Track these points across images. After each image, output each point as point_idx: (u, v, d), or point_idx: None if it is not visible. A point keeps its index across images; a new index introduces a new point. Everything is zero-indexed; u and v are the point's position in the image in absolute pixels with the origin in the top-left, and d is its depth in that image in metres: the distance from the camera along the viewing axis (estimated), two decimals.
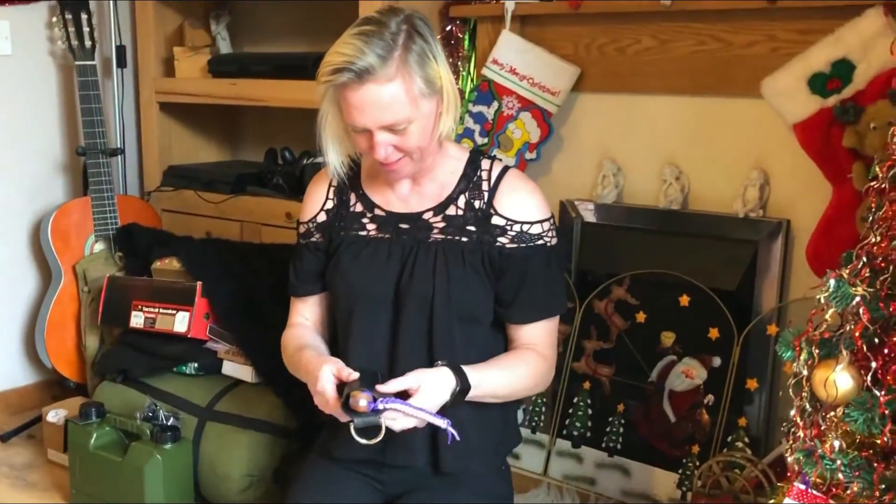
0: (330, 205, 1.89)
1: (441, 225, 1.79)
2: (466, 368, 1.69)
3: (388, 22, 1.63)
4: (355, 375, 1.66)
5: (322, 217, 1.89)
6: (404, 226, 1.82)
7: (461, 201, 1.80)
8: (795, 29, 2.25)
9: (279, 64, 3.04)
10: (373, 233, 1.84)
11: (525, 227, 1.78)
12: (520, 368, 1.80)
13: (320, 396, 1.67)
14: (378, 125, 1.64)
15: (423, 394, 1.60)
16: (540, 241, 1.79)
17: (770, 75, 2.17)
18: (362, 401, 1.55)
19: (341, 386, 1.65)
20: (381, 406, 1.55)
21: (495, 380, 1.75)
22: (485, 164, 1.83)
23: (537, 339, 1.84)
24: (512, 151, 2.66)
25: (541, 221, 1.80)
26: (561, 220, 2.65)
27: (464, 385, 1.67)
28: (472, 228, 1.78)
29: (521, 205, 1.79)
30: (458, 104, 1.73)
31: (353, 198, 1.87)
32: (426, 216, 1.81)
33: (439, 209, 1.81)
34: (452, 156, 1.84)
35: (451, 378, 1.65)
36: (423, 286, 1.76)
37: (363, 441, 1.57)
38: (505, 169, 1.83)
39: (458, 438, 1.59)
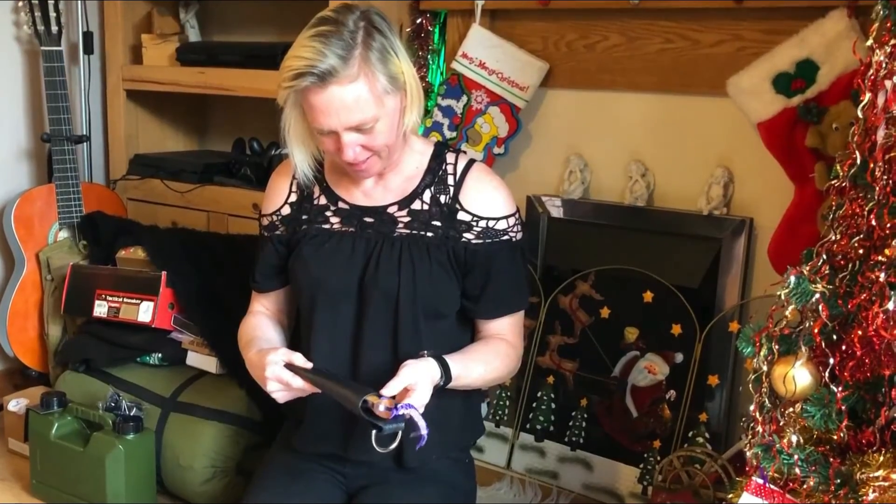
0: (294, 198, 1.88)
1: (406, 219, 1.79)
2: (448, 359, 1.68)
3: (344, 20, 1.61)
4: (309, 364, 1.67)
5: (286, 210, 1.89)
6: (368, 219, 1.81)
7: (426, 196, 1.80)
8: (761, 29, 2.27)
9: (248, 53, 3.02)
10: (336, 226, 1.83)
11: (491, 223, 1.78)
12: (495, 360, 1.81)
13: (273, 384, 1.67)
14: (345, 126, 1.63)
15: (420, 391, 1.58)
16: (505, 237, 1.80)
17: (735, 74, 2.19)
18: (382, 406, 1.52)
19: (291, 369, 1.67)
20: (401, 412, 1.52)
21: (474, 371, 1.75)
22: (450, 157, 1.83)
23: (505, 331, 1.86)
24: (480, 146, 2.67)
25: (506, 217, 1.80)
26: (527, 216, 2.66)
27: (447, 379, 1.67)
28: (438, 223, 1.78)
29: (487, 200, 1.79)
30: (422, 97, 1.73)
31: (316, 191, 1.86)
32: (391, 210, 1.80)
33: (404, 203, 1.80)
34: (417, 150, 1.84)
35: (437, 371, 1.65)
36: (388, 280, 1.75)
37: (381, 450, 1.53)
38: (470, 162, 1.83)
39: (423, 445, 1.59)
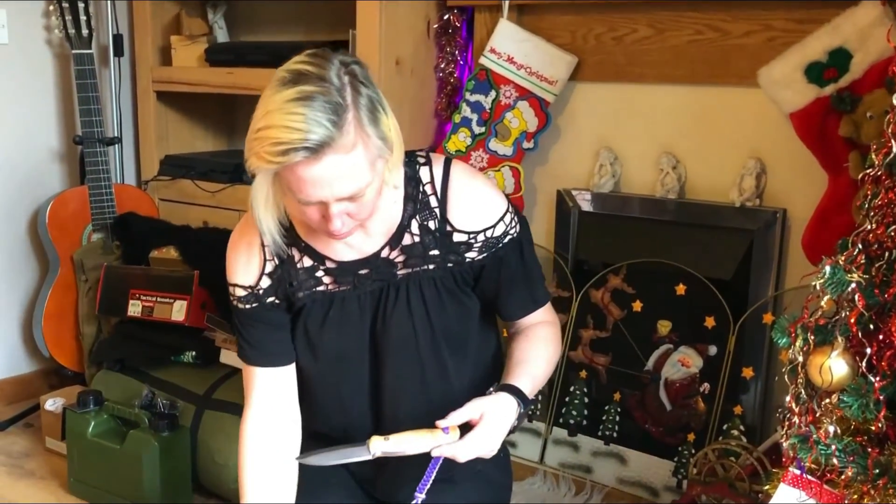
0: (270, 267, 1.64)
1: (402, 258, 1.63)
2: (515, 383, 1.59)
3: (327, 75, 1.40)
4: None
5: (266, 282, 1.65)
6: (364, 271, 1.64)
7: (414, 227, 1.62)
8: (792, 18, 2.25)
9: (276, 53, 3.02)
10: (332, 286, 1.65)
11: (489, 233, 1.64)
12: (547, 349, 1.70)
13: None
14: (337, 197, 1.43)
15: (488, 422, 1.51)
16: (507, 238, 1.66)
17: (767, 65, 2.17)
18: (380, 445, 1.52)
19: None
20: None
21: (540, 373, 1.66)
22: (424, 174, 1.63)
23: (537, 317, 1.75)
24: (509, 141, 2.67)
25: (501, 218, 1.65)
26: (558, 210, 2.66)
27: (525, 403, 1.58)
28: (436, 252, 1.63)
29: (476, 211, 1.63)
30: (402, 148, 1.54)
31: (296, 253, 1.64)
32: (384, 254, 1.63)
33: (394, 242, 1.63)
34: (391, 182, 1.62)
35: (512, 401, 1.55)
36: (402, 327, 1.63)
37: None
38: (446, 170, 1.64)
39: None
